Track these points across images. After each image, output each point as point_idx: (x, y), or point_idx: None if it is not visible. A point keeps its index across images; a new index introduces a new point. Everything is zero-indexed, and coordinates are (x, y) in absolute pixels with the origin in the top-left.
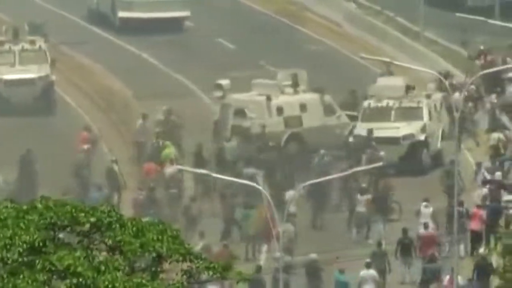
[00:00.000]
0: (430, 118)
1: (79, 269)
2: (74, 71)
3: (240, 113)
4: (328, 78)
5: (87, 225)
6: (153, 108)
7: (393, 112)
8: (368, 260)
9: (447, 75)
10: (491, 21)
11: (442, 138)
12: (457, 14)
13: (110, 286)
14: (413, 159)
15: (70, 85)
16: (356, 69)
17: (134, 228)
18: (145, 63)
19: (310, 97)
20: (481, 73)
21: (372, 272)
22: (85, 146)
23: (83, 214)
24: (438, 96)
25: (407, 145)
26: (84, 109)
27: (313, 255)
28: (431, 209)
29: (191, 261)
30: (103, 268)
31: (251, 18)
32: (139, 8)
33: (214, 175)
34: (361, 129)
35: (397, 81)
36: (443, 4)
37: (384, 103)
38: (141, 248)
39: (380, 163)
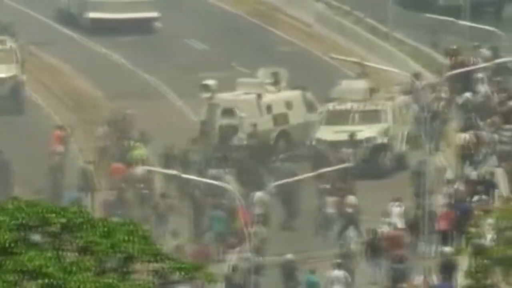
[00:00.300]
0: (394, 121)
1: (50, 269)
2: (42, 71)
3: (228, 112)
4: (300, 79)
5: (58, 226)
6: (122, 108)
7: (356, 115)
8: (337, 260)
9: (417, 76)
10: (460, 21)
11: (407, 141)
12: (427, 15)
13: (80, 286)
14: (375, 162)
15: (39, 85)
16: (327, 70)
17: (104, 229)
18: (114, 64)
19: (293, 95)
20: (450, 73)
21: (342, 272)
22: (60, 146)
23: (53, 215)
24: (403, 98)
25: (369, 148)
26: (53, 109)
27: (289, 255)
28: (402, 208)
29: (161, 261)
30: (73, 268)
31: (221, 19)
32: (108, 9)
33: (184, 175)
34: (322, 132)
35: (361, 84)
36: (414, 4)
37: (347, 106)
38: (111, 249)
39: (345, 165)
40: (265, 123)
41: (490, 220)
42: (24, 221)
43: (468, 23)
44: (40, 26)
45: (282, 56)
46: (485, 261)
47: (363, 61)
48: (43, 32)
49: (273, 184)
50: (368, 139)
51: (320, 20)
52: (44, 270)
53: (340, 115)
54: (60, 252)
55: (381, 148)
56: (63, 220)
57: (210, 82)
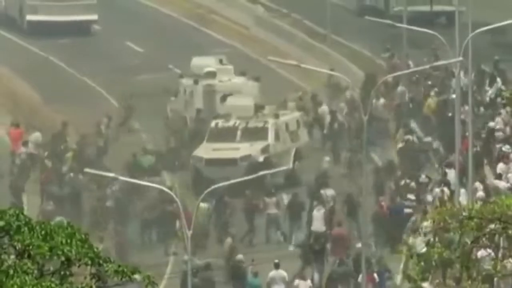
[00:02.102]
0: (277, 138)
1: None
2: None
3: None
4: None
5: None
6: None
7: (239, 133)
8: (276, 260)
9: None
10: (398, 24)
11: (300, 157)
12: (366, 17)
13: None
14: (252, 180)
15: None
16: (264, 72)
17: (43, 232)
18: (53, 66)
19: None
20: (388, 76)
21: (281, 272)
22: (23, 148)
23: None
24: (294, 115)
25: (245, 166)
26: None
27: (239, 256)
28: (322, 212)
29: (99, 264)
30: (11, 272)
31: (158, 21)
32: (47, 12)
33: (122, 178)
34: (201, 149)
35: (247, 101)
36: (368, 12)
37: (231, 123)
38: (50, 252)
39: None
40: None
41: (425, 223)
42: None
43: (405, 26)
44: None
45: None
46: (422, 263)
47: (300, 63)
48: None
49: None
50: (243, 158)
51: (258, 22)
52: None
53: (223, 132)
54: None
55: (259, 166)
56: (1, 223)
57: (213, 68)
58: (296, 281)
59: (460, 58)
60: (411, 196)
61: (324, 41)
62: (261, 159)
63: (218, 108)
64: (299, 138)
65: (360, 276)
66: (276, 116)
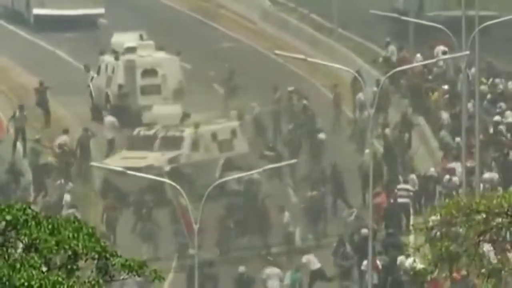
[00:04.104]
0: (196, 148)
1: None
2: None
3: (149, 72)
4: (244, 76)
5: (3, 223)
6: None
7: (157, 141)
8: (270, 258)
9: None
10: (404, 18)
11: (231, 167)
12: (371, 11)
13: (26, 283)
14: (155, 190)
15: None
16: (271, 67)
17: (50, 226)
18: (60, 60)
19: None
20: (396, 70)
21: (276, 269)
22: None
23: None
24: (229, 124)
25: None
26: None
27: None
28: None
29: (106, 258)
30: (18, 265)
31: (166, 15)
32: (53, 5)
33: (129, 172)
34: (112, 157)
35: (174, 109)
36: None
37: (152, 131)
38: (57, 246)
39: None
40: None
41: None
42: None
43: (412, 19)
44: None
45: (225, 52)
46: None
47: (307, 57)
48: None
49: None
50: (147, 167)
51: (265, 16)
52: None
53: (143, 140)
54: (5, 249)
55: (166, 176)
56: (8, 217)
57: (134, 44)
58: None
59: (467, 52)
60: (408, 187)
61: (331, 35)
62: (167, 168)
63: (139, 83)
64: (232, 148)
65: (365, 262)
66: (196, 125)
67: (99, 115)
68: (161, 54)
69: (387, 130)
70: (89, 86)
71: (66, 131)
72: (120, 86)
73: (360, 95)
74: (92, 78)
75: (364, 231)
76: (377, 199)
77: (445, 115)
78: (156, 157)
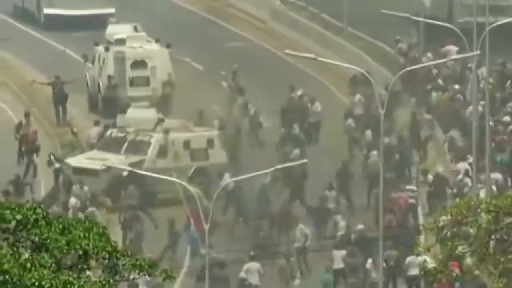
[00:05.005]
0: (163, 154)
1: (6, 266)
2: None
3: (139, 64)
4: (254, 75)
5: (13, 222)
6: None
7: (125, 145)
8: (251, 253)
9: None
10: (415, 17)
11: (203, 176)
12: (382, 11)
13: (36, 283)
14: (115, 192)
15: None
16: (281, 66)
17: (60, 226)
18: (69, 59)
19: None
20: (405, 69)
21: (256, 264)
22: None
23: (8, 212)
24: (206, 133)
25: (107, 178)
26: (9, 105)
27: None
28: None
29: (117, 258)
30: (29, 265)
31: (175, 14)
32: (64, 5)
33: (139, 171)
34: (78, 157)
35: (148, 114)
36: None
37: (122, 134)
38: (68, 246)
39: None
40: None
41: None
42: None
43: (423, 19)
44: None
45: (235, 52)
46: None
47: (317, 57)
48: None
49: None
50: (105, 170)
51: (275, 16)
52: (0, 266)
53: (113, 142)
54: (16, 249)
55: (120, 180)
56: (19, 217)
57: (123, 36)
58: None
59: (478, 52)
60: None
61: (341, 34)
62: (125, 173)
63: (128, 74)
64: (207, 157)
65: (369, 261)
66: (166, 131)
67: (95, 105)
68: (152, 46)
69: (396, 130)
70: (85, 76)
71: (75, 134)
72: (109, 77)
73: (359, 96)
74: (89, 68)
75: (360, 227)
76: (398, 198)
77: (454, 115)
78: (118, 160)
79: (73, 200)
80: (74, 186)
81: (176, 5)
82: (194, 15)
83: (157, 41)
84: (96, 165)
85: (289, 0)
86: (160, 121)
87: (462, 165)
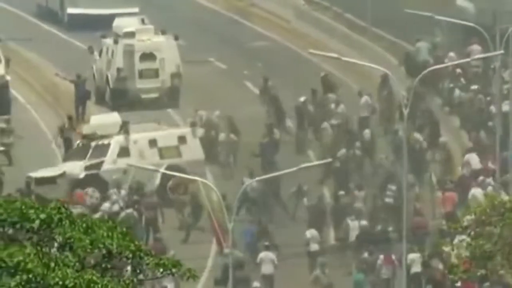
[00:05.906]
0: (125, 154)
1: (29, 265)
2: (21, 67)
3: (147, 56)
4: (278, 74)
5: (37, 222)
6: None
7: (90, 151)
8: (266, 243)
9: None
10: (438, 17)
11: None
12: (406, 10)
13: (60, 282)
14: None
15: (18, 81)
16: (305, 65)
17: (84, 225)
18: (93, 59)
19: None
20: (430, 69)
21: (270, 254)
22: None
23: (32, 211)
24: (177, 131)
25: (65, 184)
26: (33, 105)
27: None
28: None
29: (140, 258)
30: (53, 264)
31: (199, 14)
32: (87, 5)
33: (163, 171)
34: (42, 170)
35: (112, 118)
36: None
37: (87, 142)
38: (91, 245)
39: None
40: None
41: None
42: (2, 217)
43: (446, 18)
44: (19, 23)
45: (259, 51)
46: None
47: (341, 56)
48: (22, 28)
49: None
50: (61, 175)
51: (299, 15)
52: (24, 266)
53: (79, 151)
54: (39, 248)
55: (77, 183)
56: (43, 216)
57: (132, 29)
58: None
59: (501, 51)
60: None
61: (364, 34)
62: (81, 176)
63: (137, 67)
64: (179, 155)
65: (381, 257)
66: (125, 131)
67: (102, 97)
68: (160, 38)
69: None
70: (92, 68)
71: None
72: (118, 70)
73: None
74: (96, 60)
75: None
76: (448, 195)
77: (477, 115)
78: (72, 166)
79: (107, 205)
80: (111, 191)
81: (200, 4)
82: (218, 14)
83: (163, 33)
84: (54, 172)
85: (313, 0)
86: (125, 124)
87: (485, 165)
